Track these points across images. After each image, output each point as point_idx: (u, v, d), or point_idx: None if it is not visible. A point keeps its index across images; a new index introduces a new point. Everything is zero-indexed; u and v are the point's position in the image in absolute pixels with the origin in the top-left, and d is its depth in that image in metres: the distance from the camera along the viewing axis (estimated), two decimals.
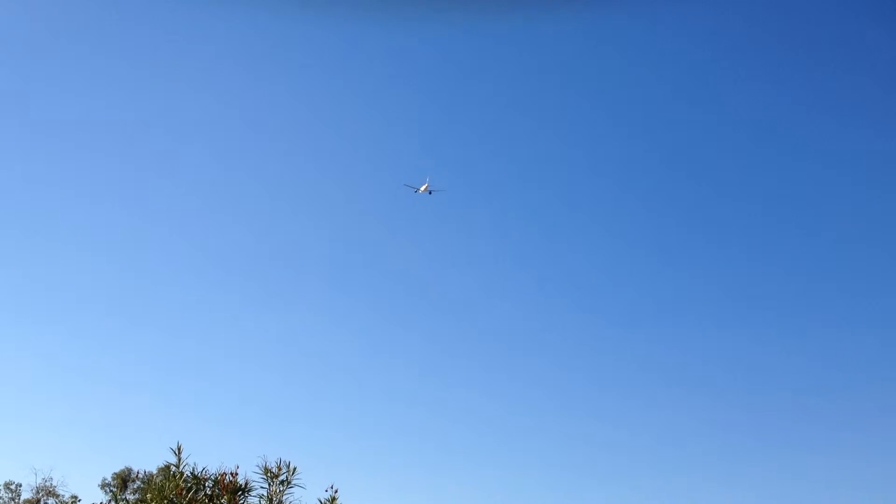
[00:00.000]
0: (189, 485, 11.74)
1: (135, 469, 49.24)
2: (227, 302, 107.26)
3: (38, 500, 50.39)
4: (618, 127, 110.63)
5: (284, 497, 11.87)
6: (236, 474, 11.71)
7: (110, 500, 12.68)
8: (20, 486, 52.25)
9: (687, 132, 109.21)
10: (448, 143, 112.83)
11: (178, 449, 12.06)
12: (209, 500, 11.51)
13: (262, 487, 11.93)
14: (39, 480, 50.23)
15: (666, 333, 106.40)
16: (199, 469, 11.97)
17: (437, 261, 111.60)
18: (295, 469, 12.00)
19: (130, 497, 10.71)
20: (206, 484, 11.82)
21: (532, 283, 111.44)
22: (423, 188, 49.93)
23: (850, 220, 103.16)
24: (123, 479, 49.20)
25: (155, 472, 12.51)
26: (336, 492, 11.70)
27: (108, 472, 52.14)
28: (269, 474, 11.95)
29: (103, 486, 50.49)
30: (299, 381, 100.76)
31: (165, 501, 11.41)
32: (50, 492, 48.79)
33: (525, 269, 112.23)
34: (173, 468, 11.94)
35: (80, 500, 10.80)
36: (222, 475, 11.71)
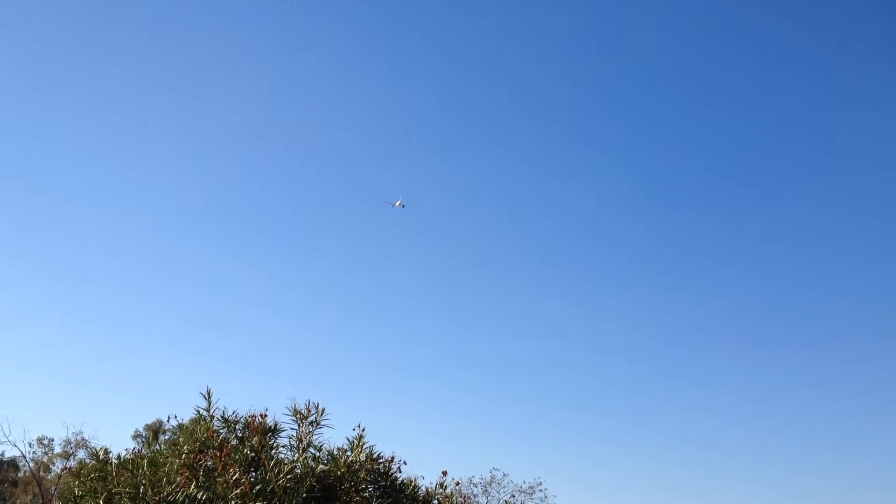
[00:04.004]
0: (220, 427, 11.96)
1: (167, 420, 50.12)
2: (254, 255, 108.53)
3: (69, 454, 51.65)
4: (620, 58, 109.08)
5: (314, 437, 12.07)
6: (265, 416, 11.91)
7: (143, 448, 12.93)
8: (52, 440, 53.59)
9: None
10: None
11: (209, 393, 12.26)
12: (240, 442, 11.72)
13: (291, 429, 12.12)
14: (70, 434, 51.49)
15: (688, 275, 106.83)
16: (230, 412, 12.18)
17: (450, 204, 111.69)
18: (323, 410, 12.18)
19: (162, 447, 11.02)
20: (237, 426, 12.04)
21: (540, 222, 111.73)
22: (397, 203, 64.85)
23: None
24: (155, 431, 50.28)
25: (187, 421, 12.73)
26: (363, 430, 11.91)
27: (141, 424, 53.34)
28: (298, 416, 12.13)
29: (135, 437, 51.69)
30: (326, 329, 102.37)
31: (197, 444, 11.62)
32: (80, 444, 49.98)
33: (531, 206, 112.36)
34: (203, 412, 12.14)
35: (110, 452, 11.14)
36: (252, 417, 11.91)
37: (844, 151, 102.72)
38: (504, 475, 37.20)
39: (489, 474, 37.10)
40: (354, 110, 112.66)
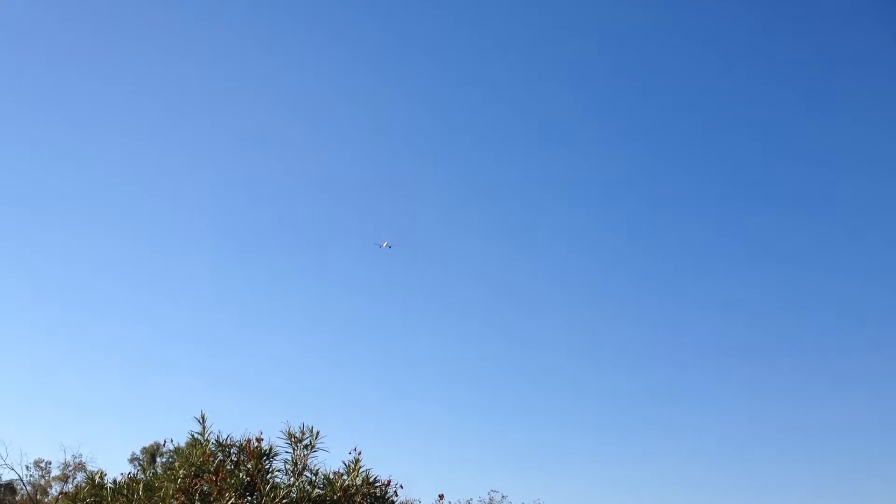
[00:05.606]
0: (215, 451, 11.93)
1: (163, 444, 50.00)
2: (250, 276, 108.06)
3: (67, 477, 51.37)
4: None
5: (309, 461, 12.04)
6: (261, 440, 11.88)
7: (138, 472, 12.89)
8: (49, 463, 53.30)
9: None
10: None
11: (203, 417, 12.25)
12: (235, 466, 11.69)
13: (286, 452, 12.09)
14: (68, 457, 51.25)
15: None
16: (224, 436, 12.16)
17: (447, 223, 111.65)
18: (318, 433, 12.15)
19: (159, 471, 11.00)
20: (232, 450, 12.01)
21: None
22: (384, 244, 67.92)
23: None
24: (152, 454, 49.95)
25: (183, 445, 12.69)
26: (360, 454, 11.88)
27: (137, 447, 53.09)
28: (292, 439, 12.10)
29: (132, 460, 51.39)
30: (321, 350, 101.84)
31: (193, 468, 11.59)
32: (78, 467, 49.74)
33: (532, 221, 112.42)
34: (198, 436, 12.12)
35: (106, 474, 11.15)
36: (247, 441, 11.88)
37: (845, 165, 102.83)
38: (503, 497, 37.06)
39: (487, 496, 36.97)
40: (353, 127, 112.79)
